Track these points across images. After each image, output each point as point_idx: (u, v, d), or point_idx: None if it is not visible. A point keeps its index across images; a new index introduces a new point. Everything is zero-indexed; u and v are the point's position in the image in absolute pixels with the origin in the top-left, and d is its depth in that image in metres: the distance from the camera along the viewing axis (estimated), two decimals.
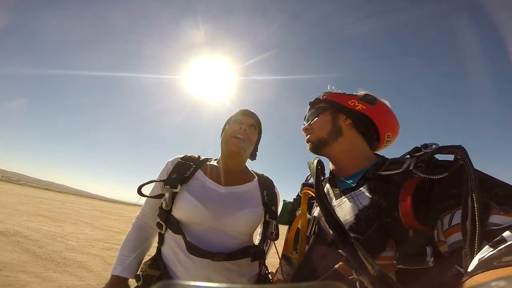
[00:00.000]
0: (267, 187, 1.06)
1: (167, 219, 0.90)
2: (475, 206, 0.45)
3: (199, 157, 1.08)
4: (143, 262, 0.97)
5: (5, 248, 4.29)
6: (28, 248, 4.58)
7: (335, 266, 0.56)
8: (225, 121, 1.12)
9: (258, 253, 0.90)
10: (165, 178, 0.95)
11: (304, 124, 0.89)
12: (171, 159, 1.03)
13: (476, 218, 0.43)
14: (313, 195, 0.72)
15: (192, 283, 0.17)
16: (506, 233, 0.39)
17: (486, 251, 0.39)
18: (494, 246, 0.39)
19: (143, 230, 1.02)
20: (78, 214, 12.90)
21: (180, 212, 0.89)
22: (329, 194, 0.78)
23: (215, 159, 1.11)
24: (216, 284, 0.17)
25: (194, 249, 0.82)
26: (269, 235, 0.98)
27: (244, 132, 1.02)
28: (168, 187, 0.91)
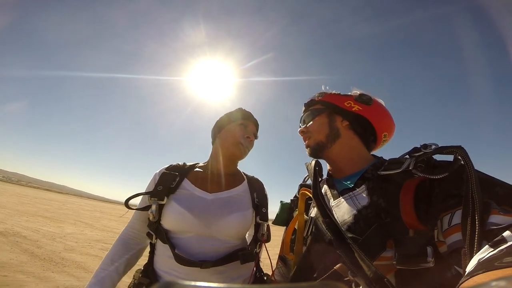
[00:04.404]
0: (257, 189, 1.05)
1: (156, 230, 0.90)
2: (475, 206, 0.44)
3: (184, 164, 1.06)
4: (135, 270, 0.96)
5: (4, 248, 4.29)
6: (27, 248, 4.58)
7: (335, 267, 0.55)
8: (222, 116, 1.10)
9: (247, 256, 0.89)
10: (152, 190, 0.95)
11: (300, 126, 0.88)
12: (157, 171, 1.02)
13: (476, 218, 0.43)
14: (311, 195, 0.71)
15: (193, 283, 0.16)
16: (506, 233, 0.39)
17: (486, 251, 0.38)
18: (494, 246, 0.38)
19: (126, 242, 0.99)
20: (78, 214, 12.90)
21: (168, 222, 0.88)
22: (326, 195, 0.77)
23: (204, 163, 1.09)
24: (216, 284, 0.17)
25: (181, 259, 0.82)
26: (260, 237, 0.97)
27: (250, 142, 1.04)
28: (155, 199, 0.90)
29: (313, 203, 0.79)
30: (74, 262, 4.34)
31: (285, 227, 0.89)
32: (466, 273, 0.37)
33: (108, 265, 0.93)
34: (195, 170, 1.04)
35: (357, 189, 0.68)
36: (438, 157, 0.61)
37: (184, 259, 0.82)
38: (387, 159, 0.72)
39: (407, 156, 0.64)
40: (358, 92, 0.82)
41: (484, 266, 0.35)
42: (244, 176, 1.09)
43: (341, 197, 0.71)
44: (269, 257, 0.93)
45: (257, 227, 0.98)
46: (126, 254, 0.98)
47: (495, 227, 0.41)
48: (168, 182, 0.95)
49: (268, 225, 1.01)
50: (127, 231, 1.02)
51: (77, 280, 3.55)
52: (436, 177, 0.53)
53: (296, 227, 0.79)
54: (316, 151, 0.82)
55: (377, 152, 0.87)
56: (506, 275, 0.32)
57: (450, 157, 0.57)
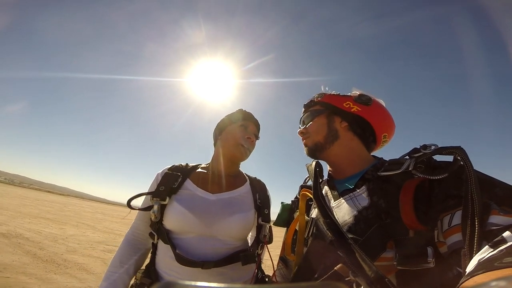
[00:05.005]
0: (259, 190, 1.05)
1: (158, 230, 0.90)
2: (475, 206, 0.44)
3: (187, 165, 1.06)
4: (138, 271, 0.96)
5: (6, 250, 4.31)
6: (29, 250, 4.59)
7: (335, 268, 0.55)
8: (223, 118, 1.10)
9: (248, 257, 0.89)
10: (154, 190, 0.95)
11: (300, 128, 0.88)
12: (159, 171, 1.02)
13: (476, 218, 0.43)
14: (311, 196, 0.71)
15: (193, 283, 0.16)
16: (506, 233, 0.39)
17: (486, 252, 0.38)
18: (494, 246, 0.38)
19: (133, 244, 1.00)
20: (79, 216, 12.92)
21: (169, 222, 0.89)
22: (327, 196, 0.77)
23: (206, 164, 1.09)
24: (216, 284, 0.17)
25: (182, 259, 0.82)
26: (262, 239, 0.97)
27: (251, 143, 1.04)
28: (157, 199, 0.90)
29: (314, 204, 0.79)
30: (76, 264, 4.35)
31: (286, 228, 0.90)
32: (466, 273, 0.37)
33: (117, 267, 0.93)
34: (197, 171, 1.05)
35: (358, 190, 0.68)
36: (438, 157, 0.61)
37: (185, 259, 0.82)
38: (387, 160, 0.73)
39: (407, 157, 0.64)
40: (358, 93, 0.81)
41: (484, 266, 0.35)
42: (246, 177, 1.10)
43: (341, 198, 0.71)
44: (271, 258, 0.93)
45: (259, 228, 0.98)
46: (134, 255, 0.98)
47: (495, 227, 0.42)
48: (171, 183, 0.95)
49: (270, 227, 1.00)
50: (132, 233, 1.02)
51: (79, 281, 3.56)
52: (436, 178, 0.53)
53: (297, 228, 0.79)
54: (314, 151, 0.82)
55: (378, 152, 0.87)
56: (506, 275, 0.32)
57: (450, 158, 0.57)
